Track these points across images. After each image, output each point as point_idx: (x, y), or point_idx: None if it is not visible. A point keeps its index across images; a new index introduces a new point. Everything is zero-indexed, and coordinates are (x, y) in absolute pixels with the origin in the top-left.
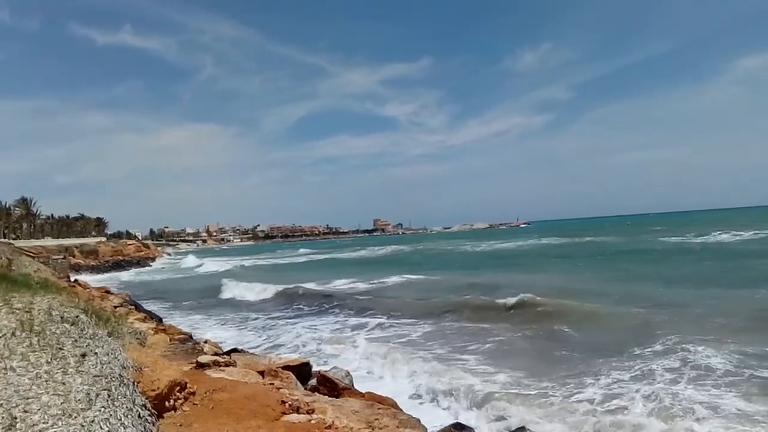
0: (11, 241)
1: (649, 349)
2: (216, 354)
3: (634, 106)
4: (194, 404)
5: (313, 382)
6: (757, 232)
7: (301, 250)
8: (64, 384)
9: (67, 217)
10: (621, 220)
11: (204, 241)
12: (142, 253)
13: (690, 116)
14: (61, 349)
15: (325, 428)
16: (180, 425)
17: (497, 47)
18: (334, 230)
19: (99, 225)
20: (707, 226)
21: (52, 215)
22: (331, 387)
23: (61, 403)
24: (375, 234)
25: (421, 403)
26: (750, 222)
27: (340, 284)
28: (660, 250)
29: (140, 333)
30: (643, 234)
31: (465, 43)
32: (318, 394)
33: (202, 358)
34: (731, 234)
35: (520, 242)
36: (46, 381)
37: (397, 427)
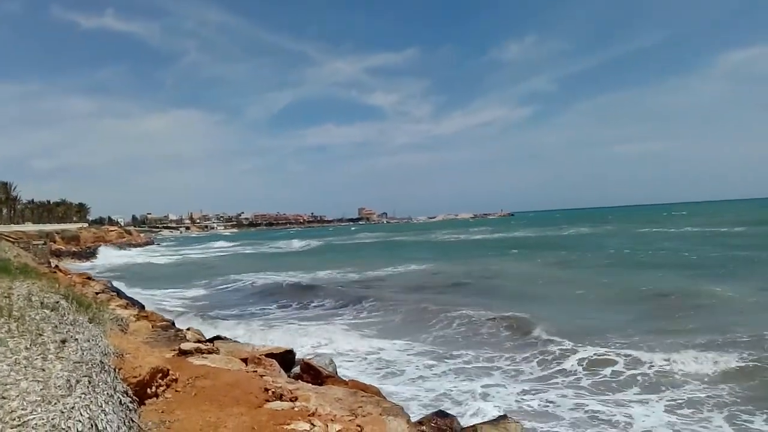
0: None
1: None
2: (198, 341)
3: (620, 99)
4: (176, 391)
5: (296, 369)
6: (693, 227)
7: (221, 243)
8: (43, 370)
9: (48, 202)
10: (607, 212)
11: (187, 228)
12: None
13: (677, 109)
14: (40, 334)
15: (309, 416)
16: (162, 412)
17: (483, 38)
18: (318, 219)
19: (80, 211)
20: (672, 219)
21: (32, 200)
22: (314, 375)
23: (41, 390)
24: (360, 223)
25: None
26: (718, 216)
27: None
28: (562, 244)
29: (122, 319)
30: (589, 227)
31: (451, 34)
32: (301, 382)
33: (185, 345)
34: (674, 228)
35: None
36: (25, 367)
37: (381, 414)
